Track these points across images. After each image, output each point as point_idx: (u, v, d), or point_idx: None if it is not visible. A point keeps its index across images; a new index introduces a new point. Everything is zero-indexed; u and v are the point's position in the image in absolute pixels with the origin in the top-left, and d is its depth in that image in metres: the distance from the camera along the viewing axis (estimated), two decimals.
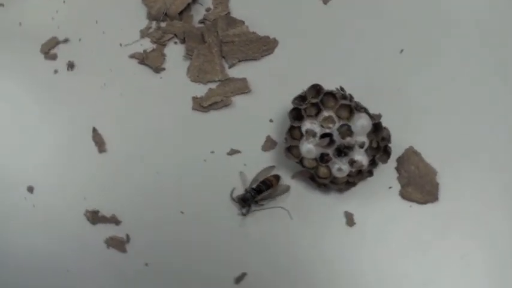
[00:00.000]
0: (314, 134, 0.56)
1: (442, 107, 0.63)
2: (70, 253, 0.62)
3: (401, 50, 0.65)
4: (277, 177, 0.60)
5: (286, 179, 0.61)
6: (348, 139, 0.55)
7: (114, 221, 0.62)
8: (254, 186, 0.59)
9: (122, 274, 0.60)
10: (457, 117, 0.62)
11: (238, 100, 0.66)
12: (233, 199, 0.60)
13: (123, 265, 0.60)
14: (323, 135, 0.56)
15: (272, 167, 0.62)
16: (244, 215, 0.59)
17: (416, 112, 0.62)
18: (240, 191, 0.61)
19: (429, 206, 0.59)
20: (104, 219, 0.62)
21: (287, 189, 0.60)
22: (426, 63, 0.65)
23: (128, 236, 0.61)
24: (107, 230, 0.62)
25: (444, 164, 0.60)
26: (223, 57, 0.67)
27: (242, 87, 0.65)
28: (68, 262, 0.62)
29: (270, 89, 0.65)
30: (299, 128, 0.57)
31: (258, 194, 0.59)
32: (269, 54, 0.67)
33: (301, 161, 0.57)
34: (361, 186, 0.59)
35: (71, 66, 0.69)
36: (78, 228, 0.62)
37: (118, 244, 0.61)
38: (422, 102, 0.63)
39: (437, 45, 0.65)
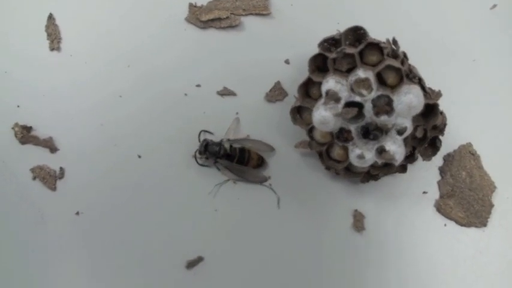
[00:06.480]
0: (337, 99, 0.42)
1: None
2: None
3: (494, 5, 0.52)
4: (260, 160, 0.49)
5: (286, 148, 0.49)
6: (384, 118, 0.41)
7: (49, 146, 0.50)
8: (231, 145, 0.49)
9: (41, 220, 0.49)
10: None
11: (250, 22, 0.53)
12: (200, 142, 0.49)
13: (47, 207, 0.49)
14: (349, 104, 0.42)
15: (271, 149, 0.50)
16: (196, 160, 0.49)
17: (490, 98, 0.51)
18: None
19: (471, 231, 0.48)
20: (37, 141, 0.50)
21: (262, 180, 0.49)
22: None
23: (62, 169, 0.49)
24: (37, 156, 0.50)
25: (509, 180, 0.49)
26: None
27: (260, 5, 0.53)
28: None
29: (298, 18, 0.53)
30: (319, 84, 0.43)
31: (226, 158, 0.49)
32: None
33: (310, 130, 0.45)
34: (385, 181, 0.49)
35: None
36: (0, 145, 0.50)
37: (47, 177, 0.49)
38: (502, 85, 0.51)
39: None
